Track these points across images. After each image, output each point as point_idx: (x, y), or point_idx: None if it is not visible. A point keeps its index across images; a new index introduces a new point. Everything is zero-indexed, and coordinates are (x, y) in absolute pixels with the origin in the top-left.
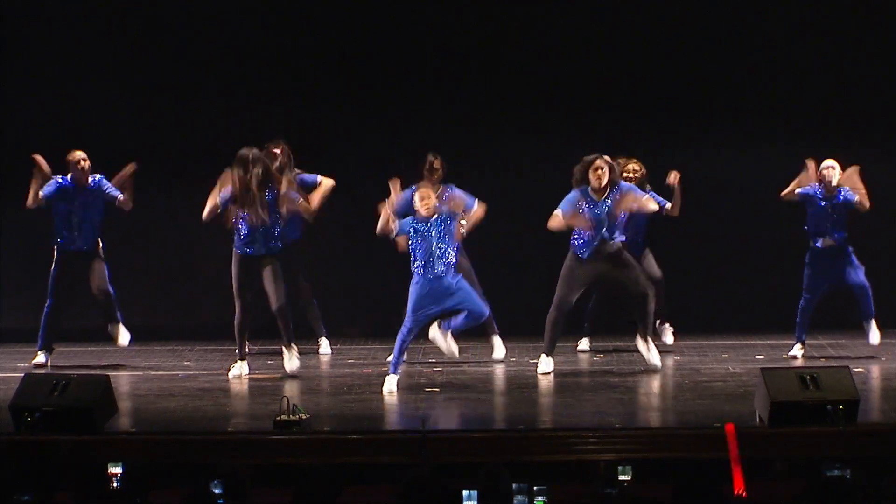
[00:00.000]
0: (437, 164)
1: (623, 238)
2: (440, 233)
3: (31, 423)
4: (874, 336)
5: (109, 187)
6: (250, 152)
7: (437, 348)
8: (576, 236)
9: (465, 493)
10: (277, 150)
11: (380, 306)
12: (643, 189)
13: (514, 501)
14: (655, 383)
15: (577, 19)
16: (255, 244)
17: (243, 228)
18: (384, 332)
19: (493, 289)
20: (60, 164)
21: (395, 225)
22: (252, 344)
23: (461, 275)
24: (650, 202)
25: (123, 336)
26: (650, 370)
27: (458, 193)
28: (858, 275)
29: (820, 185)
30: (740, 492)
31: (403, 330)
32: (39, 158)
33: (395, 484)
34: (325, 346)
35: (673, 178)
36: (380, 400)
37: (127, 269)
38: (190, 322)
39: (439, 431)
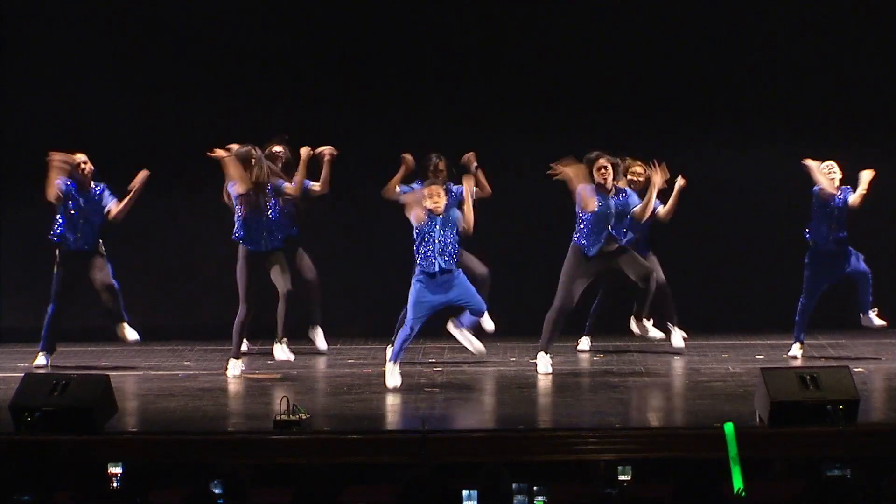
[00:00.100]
0: (441, 164)
1: (631, 236)
2: (443, 229)
3: (31, 423)
4: (875, 321)
5: (108, 197)
6: (255, 150)
7: (437, 348)
8: (580, 234)
9: (465, 493)
10: (279, 150)
11: (380, 306)
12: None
13: (514, 501)
14: (656, 383)
15: (577, 19)
16: (262, 240)
17: (258, 224)
18: (384, 332)
19: (493, 289)
20: None
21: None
22: (252, 344)
23: (460, 269)
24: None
25: (130, 334)
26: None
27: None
28: (859, 263)
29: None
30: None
31: (406, 328)
32: (57, 157)
33: (395, 484)
34: (319, 337)
35: (679, 182)
36: (380, 400)
37: (127, 269)
38: (190, 322)
39: (439, 431)
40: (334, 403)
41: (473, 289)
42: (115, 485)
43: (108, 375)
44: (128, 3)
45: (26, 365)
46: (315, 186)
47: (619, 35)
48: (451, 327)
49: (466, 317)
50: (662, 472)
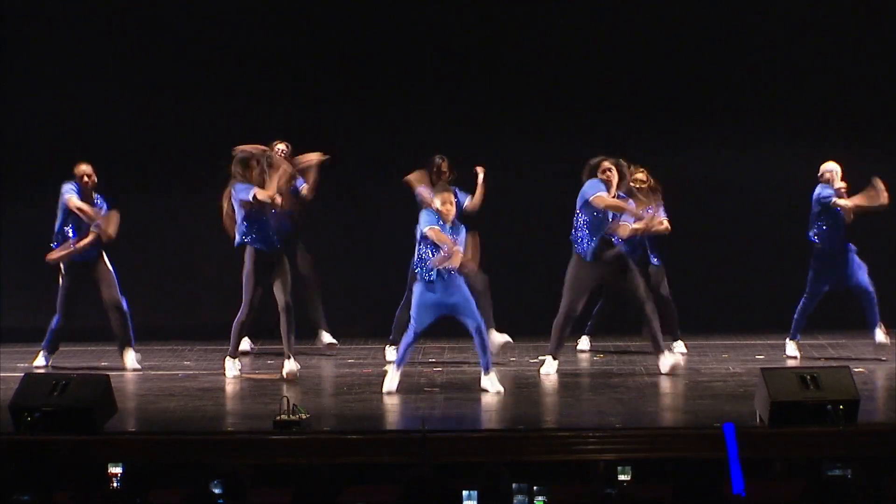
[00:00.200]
0: (444, 166)
1: (625, 248)
2: (453, 240)
3: (31, 422)
4: (878, 337)
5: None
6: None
7: (437, 348)
8: (578, 241)
9: (465, 493)
10: (282, 148)
11: (380, 306)
12: (654, 198)
13: (514, 501)
14: (656, 383)
15: (577, 19)
16: (272, 241)
17: (266, 225)
18: (384, 332)
19: (493, 289)
20: (61, 165)
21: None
22: (251, 343)
23: (462, 276)
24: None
25: (131, 361)
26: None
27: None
28: (862, 277)
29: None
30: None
31: (409, 334)
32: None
33: (395, 484)
34: (327, 337)
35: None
36: (380, 400)
37: (127, 269)
38: (190, 322)
39: (439, 431)
40: (334, 403)
41: (472, 300)
42: (115, 485)
43: (108, 375)
44: (128, 3)
45: (26, 365)
46: (304, 189)
47: (619, 35)
48: (483, 383)
49: (483, 360)
50: (662, 472)
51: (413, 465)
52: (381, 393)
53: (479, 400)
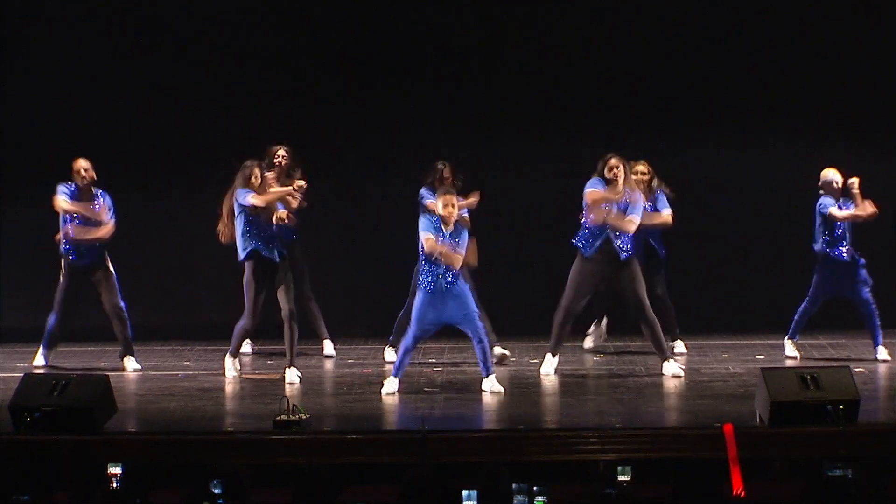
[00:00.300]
0: (446, 171)
1: (629, 246)
2: (453, 243)
3: (31, 422)
4: (879, 354)
5: (108, 210)
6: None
7: (437, 348)
8: (579, 236)
9: (465, 493)
10: (282, 154)
11: (380, 306)
12: (655, 190)
13: (514, 501)
14: (656, 383)
15: (577, 19)
16: (273, 244)
17: (268, 232)
18: (384, 332)
19: (493, 289)
20: (61, 165)
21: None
22: (252, 344)
23: (463, 281)
24: (630, 223)
25: (131, 365)
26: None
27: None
28: (865, 293)
29: (845, 198)
30: (739, 491)
31: (409, 338)
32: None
33: (395, 484)
34: (328, 347)
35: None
36: (380, 400)
37: (127, 269)
38: (190, 322)
39: (439, 431)
40: (334, 403)
41: (475, 312)
42: (114, 485)
43: (107, 375)
44: (128, 3)
45: (26, 365)
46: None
47: (619, 35)
48: (484, 385)
49: (483, 368)
50: (662, 472)
51: (413, 465)
52: (380, 393)
53: (479, 400)
